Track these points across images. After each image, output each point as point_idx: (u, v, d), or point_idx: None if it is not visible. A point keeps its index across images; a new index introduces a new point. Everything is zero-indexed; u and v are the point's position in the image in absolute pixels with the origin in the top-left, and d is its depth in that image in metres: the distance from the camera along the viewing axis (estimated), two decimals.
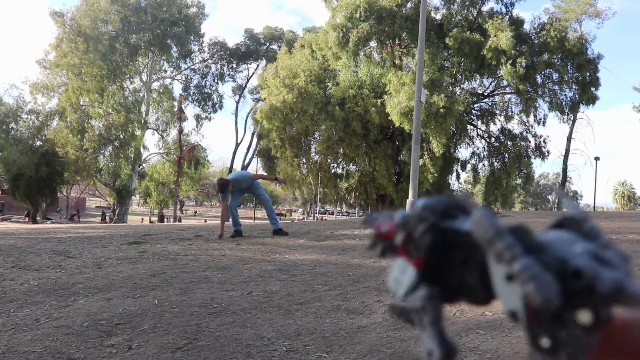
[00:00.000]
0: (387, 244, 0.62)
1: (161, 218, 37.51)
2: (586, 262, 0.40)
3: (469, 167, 25.14)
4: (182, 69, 35.81)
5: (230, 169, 40.12)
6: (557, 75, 21.36)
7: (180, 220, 36.93)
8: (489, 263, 0.48)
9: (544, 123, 23.30)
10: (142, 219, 40.87)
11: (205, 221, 38.95)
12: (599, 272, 0.39)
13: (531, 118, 23.20)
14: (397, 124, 18.14)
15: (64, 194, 42.94)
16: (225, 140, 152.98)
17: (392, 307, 0.63)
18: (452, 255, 0.54)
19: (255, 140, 37.45)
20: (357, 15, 19.12)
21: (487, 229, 0.44)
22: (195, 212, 71.65)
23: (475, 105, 24.44)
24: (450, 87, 20.29)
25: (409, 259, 0.57)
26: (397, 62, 21.11)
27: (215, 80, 37.23)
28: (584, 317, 0.40)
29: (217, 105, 36.72)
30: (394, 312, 0.63)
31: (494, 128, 24.84)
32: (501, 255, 0.42)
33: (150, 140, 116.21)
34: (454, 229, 0.54)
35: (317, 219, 43.74)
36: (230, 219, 6.74)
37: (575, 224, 0.47)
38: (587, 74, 21.10)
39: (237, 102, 39.00)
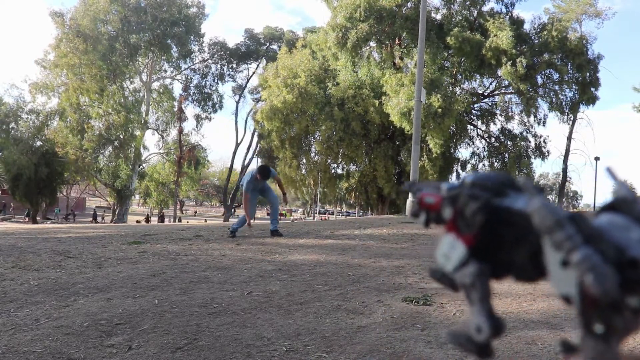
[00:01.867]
0: (432, 215, 0.62)
1: (160, 218, 37.44)
2: None
3: (469, 167, 25.13)
4: (182, 69, 35.81)
5: (230, 169, 40.09)
6: (557, 75, 21.36)
7: (180, 220, 36.93)
8: (543, 246, 0.48)
9: (544, 123, 23.32)
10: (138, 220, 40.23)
11: (206, 221, 38.96)
12: None
13: (531, 118, 23.23)
14: (397, 125, 18.14)
15: (64, 194, 42.90)
16: (225, 140, 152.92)
17: (433, 272, 0.62)
18: (503, 233, 0.54)
19: (255, 140, 37.46)
20: (357, 15, 19.12)
21: (547, 218, 0.44)
22: (195, 212, 71.68)
23: (475, 105, 24.44)
24: (450, 87, 20.28)
25: (459, 235, 0.56)
26: (396, 62, 21.11)
27: (215, 80, 37.23)
28: (635, 302, 0.40)
29: (217, 105, 36.72)
30: (435, 276, 0.62)
31: (494, 128, 24.87)
32: (561, 244, 0.42)
33: (150, 140, 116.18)
34: (506, 208, 0.53)
35: (322, 218, 43.73)
36: (238, 217, 6.91)
37: (627, 206, 0.46)
38: (587, 74, 21.11)
39: (237, 102, 39.00)
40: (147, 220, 34.98)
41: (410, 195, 11.15)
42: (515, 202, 0.53)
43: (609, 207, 0.48)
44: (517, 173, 23.16)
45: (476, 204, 0.54)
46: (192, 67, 36.23)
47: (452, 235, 0.57)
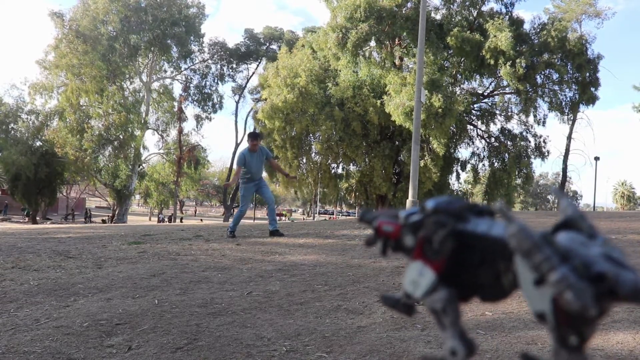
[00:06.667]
0: (391, 243, 0.63)
1: (169, 218, 37.31)
2: (606, 266, 0.43)
3: (469, 167, 25.13)
4: (182, 69, 35.79)
5: (230, 169, 40.08)
6: (557, 75, 21.36)
7: (182, 220, 36.92)
8: (515, 267, 0.50)
9: (544, 123, 23.30)
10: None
11: (202, 220, 38.94)
12: (619, 275, 0.42)
13: (531, 118, 23.20)
14: (400, 124, 18.13)
15: (64, 194, 42.83)
16: (225, 140, 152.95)
17: (384, 298, 0.64)
18: (468, 257, 0.55)
19: None
20: (357, 16, 19.11)
21: (525, 242, 0.45)
22: (195, 210, 71.73)
23: (475, 105, 24.42)
24: (450, 87, 20.27)
25: (427, 262, 0.57)
26: (397, 62, 21.10)
27: (215, 81, 37.20)
28: (596, 311, 0.43)
29: (217, 105, 36.70)
30: (386, 303, 0.64)
31: (494, 128, 24.83)
32: (539, 265, 0.44)
33: (150, 140, 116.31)
34: (470, 232, 0.55)
35: (331, 218, 43.71)
36: (233, 218, 6.94)
37: (577, 223, 0.48)
38: (587, 74, 21.10)
39: (237, 102, 38.99)
40: (111, 219, 34.39)
41: (408, 204, 11.19)
42: (478, 225, 0.54)
43: (562, 226, 0.50)
44: (517, 173, 23.18)
45: (444, 231, 0.55)
46: (192, 67, 36.22)
47: (419, 262, 0.58)
